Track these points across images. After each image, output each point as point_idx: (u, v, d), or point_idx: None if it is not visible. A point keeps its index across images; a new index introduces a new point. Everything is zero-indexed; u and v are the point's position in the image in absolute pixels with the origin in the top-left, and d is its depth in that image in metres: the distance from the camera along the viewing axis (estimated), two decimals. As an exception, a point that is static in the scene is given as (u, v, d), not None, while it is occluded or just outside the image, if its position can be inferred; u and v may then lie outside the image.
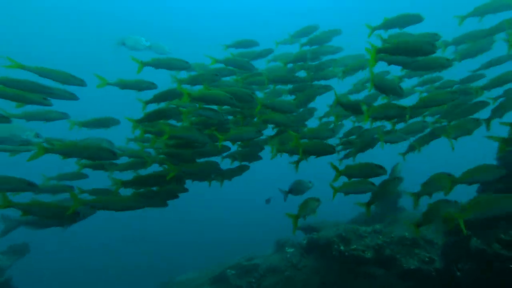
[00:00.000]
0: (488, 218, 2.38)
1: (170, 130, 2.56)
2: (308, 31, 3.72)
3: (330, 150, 2.57)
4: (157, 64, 2.91)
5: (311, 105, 3.28)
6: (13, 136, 2.41)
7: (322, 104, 3.56)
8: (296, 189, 3.11)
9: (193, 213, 14.13)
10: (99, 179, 3.08)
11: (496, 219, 2.25)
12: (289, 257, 5.22)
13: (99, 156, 2.33)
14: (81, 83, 2.54)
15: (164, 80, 3.23)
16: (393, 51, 2.41)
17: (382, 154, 3.16)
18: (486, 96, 3.01)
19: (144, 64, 2.91)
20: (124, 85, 2.84)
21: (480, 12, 3.19)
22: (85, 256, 11.28)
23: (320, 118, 3.66)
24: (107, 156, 2.33)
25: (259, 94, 3.53)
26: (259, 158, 3.26)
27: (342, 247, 3.76)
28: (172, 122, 3.00)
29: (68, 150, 2.25)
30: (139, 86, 2.84)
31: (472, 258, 2.26)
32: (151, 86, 2.86)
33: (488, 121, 2.69)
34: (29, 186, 2.18)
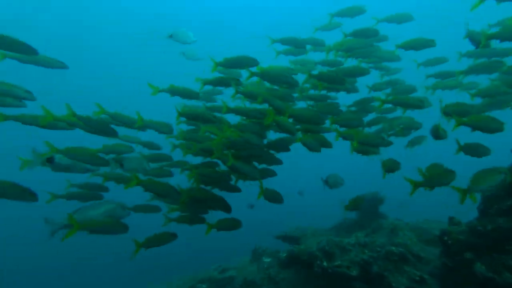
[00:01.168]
0: (494, 240, 2.13)
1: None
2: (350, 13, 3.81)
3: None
4: (230, 64, 3.02)
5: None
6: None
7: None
8: (334, 181, 3.17)
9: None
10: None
11: (502, 241, 1.99)
12: (266, 268, 4.82)
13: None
14: (62, 65, 2.49)
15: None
16: None
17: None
18: None
19: (218, 64, 3.03)
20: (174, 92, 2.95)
21: None
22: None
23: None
24: None
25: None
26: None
27: (325, 263, 3.40)
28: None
29: None
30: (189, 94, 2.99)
31: (478, 287, 1.97)
32: (193, 95, 3.02)
33: None
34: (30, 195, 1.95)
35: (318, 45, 3.75)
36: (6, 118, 2.38)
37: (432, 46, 3.34)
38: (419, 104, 2.94)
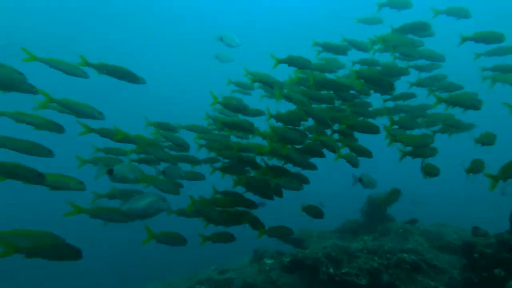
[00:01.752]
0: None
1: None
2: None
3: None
4: (290, 62, 3.03)
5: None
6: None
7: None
8: (368, 181, 3.11)
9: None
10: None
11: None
12: (268, 270, 4.63)
13: None
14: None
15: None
16: None
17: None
18: None
19: (280, 61, 3.03)
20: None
21: None
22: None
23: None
24: None
25: None
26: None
27: (331, 270, 3.20)
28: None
29: None
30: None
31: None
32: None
33: None
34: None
35: (359, 48, 3.49)
36: (91, 130, 2.75)
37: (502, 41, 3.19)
38: (476, 105, 2.78)
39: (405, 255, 3.03)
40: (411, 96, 3.48)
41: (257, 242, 5.60)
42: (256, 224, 2.67)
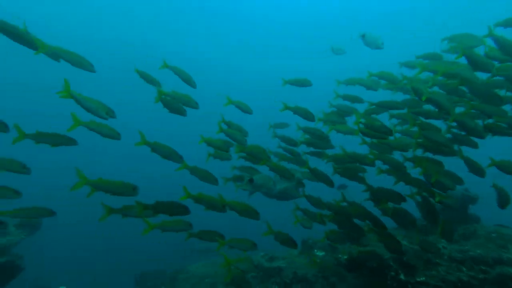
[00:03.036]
0: None
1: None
2: None
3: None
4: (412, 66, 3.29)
5: None
6: None
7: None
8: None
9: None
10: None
11: None
12: (319, 263, 4.31)
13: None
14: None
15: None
16: None
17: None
18: None
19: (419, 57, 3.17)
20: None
21: None
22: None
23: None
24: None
25: None
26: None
27: (402, 276, 2.71)
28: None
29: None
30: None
31: None
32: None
33: None
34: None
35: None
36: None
37: None
38: None
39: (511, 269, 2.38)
40: None
41: (305, 232, 5.29)
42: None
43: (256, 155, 2.80)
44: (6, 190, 2.29)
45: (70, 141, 2.31)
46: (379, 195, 2.67)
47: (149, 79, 2.75)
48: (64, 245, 11.41)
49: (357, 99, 3.33)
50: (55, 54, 2.16)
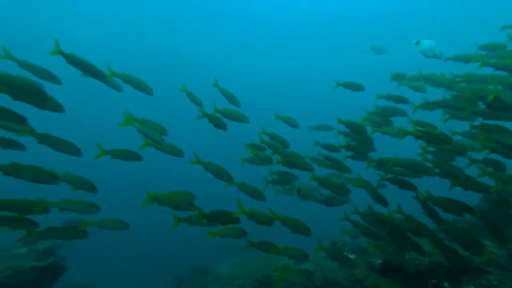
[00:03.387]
0: None
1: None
2: None
3: None
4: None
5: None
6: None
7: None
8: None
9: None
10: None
11: None
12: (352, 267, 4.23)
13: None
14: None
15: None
16: None
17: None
18: None
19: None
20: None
21: None
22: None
23: None
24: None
25: None
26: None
27: (446, 284, 2.61)
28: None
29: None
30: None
31: None
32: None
33: None
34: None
35: None
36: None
37: None
38: None
39: None
40: None
41: (335, 233, 5.21)
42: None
43: (299, 166, 2.80)
44: (91, 206, 2.55)
45: (138, 158, 2.66)
46: (440, 205, 2.50)
47: (194, 100, 2.87)
48: (103, 247, 11.92)
49: (401, 99, 3.23)
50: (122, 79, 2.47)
